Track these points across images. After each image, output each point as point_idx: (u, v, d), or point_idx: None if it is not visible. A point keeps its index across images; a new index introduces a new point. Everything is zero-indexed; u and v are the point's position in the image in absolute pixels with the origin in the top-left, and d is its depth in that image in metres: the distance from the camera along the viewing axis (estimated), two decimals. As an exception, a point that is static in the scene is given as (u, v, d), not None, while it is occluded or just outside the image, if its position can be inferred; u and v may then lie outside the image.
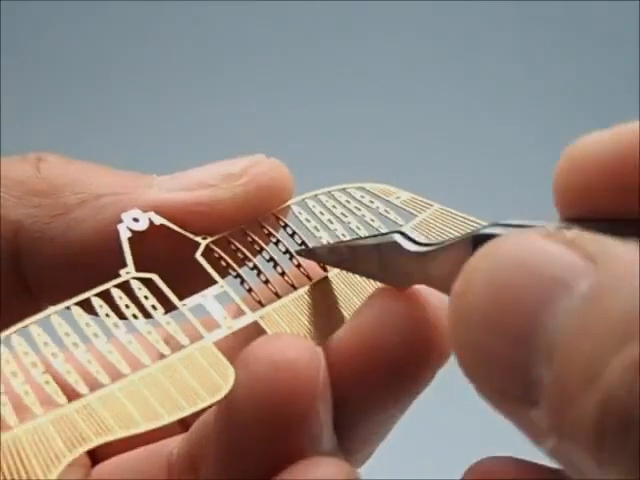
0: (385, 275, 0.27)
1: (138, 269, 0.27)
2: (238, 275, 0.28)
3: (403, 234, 0.26)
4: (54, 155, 0.29)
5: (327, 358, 0.26)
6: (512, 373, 0.20)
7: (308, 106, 0.91)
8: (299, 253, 0.29)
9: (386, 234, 0.27)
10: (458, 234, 0.29)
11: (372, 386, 0.27)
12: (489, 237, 0.22)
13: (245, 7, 0.94)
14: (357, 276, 0.29)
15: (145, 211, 0.28)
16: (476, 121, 0.91)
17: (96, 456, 0.31)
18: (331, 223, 0.30)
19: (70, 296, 0.26)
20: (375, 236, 0.27)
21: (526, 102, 0.91)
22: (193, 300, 0.27)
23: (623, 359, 0.18)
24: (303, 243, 0.30)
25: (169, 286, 0.27)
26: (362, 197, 0.31)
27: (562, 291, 0.19)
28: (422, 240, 0.26)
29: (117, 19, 0.92)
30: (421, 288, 0.27)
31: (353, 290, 0.29)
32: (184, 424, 0.31)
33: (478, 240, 0.23)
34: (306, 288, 0.29)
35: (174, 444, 0.31)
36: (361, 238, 0.28)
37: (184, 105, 0.89)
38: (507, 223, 0.23)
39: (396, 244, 0.26)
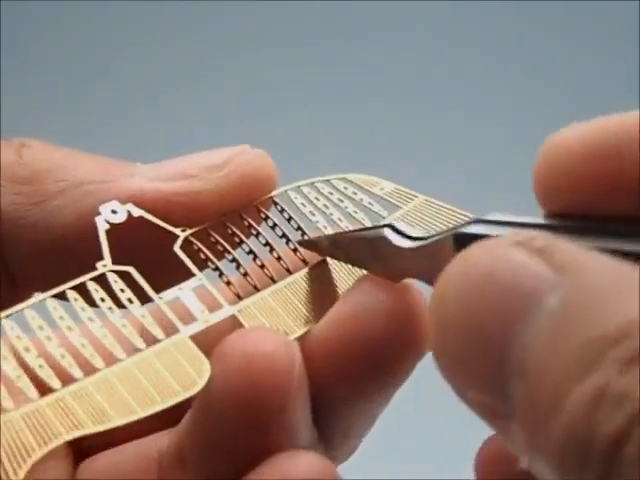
0: (378, 268, 0.27)
1: (117, 261, 0.27)
2: (217, 268, 0.28)
3: (393, 227, 0.26)
4: (38, 141, 0.29)
5: (306, 350, 0.26)
6: (488, 386, 0.19)
7: (295, 97, 0.91)
8: (299, 243, 0.29)
9: (376, 227, 0.27)
10: (443, 227, 0.29)
11: (351, 378, 0.26)
12: (469, 236, 0.23)
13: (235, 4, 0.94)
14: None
15: (124, 202, 0.28)
16: (467, 113, 0.90)
17: (85, 449, 0.31)
18: (313, 215, 0.30)
19: (52, 284, 0.26)
20: (367, 229, 0.27)
21: (516, 95, 0.91)
22: (170, 293, 0.27)
23: (585, 389, 0.18)
24: (284, 235, 0.29)
25: (148, 279, 0.27)
26: (345, 188, 0.31)
27: (532, 305, 0.19)
28: (411, 232, 0.26)
29: (116, 18, 0.92)
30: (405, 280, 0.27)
31: (347, 278, 0.28)
32: (176, 417, 0.31)
33: (459, 239, 0.23)
34: (287, 280, 0.28)
35: (166, 437, 0.30)
36: (354, 231, 0.28)
37: (181, 99, 0.89)
38: (489, 219, 0.23)
39: (385, 239, 0.26)
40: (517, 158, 0.76)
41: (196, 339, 0.26)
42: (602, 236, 0.21)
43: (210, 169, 0.29)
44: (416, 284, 0.27)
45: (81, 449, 0.30)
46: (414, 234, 0.26)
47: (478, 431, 0.23)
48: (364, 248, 0.27)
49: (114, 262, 0.27)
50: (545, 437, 0.18)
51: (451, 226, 0.26)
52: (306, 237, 0.29)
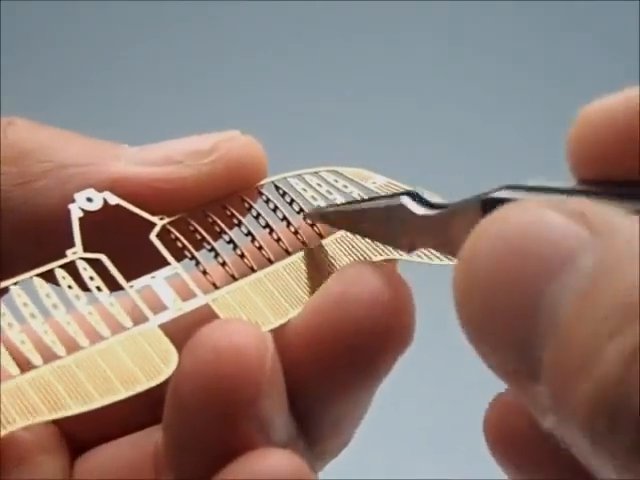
0: (390, 238, 0.26)
1: (93, 249, 0.26)
2: (193, 257, 0.27)
3: (413, 195, 0.26)
4: (24, 120, 0.29)
5: (285, 341, 0.26)
6: (515, 347, 0.19)
7: (294, 89, 0.91)
8: (307, 215, 0.28)
9: (395, 195, 0.26)
10: None
11: (331, 371, 0.26)
12: (498, 201, 0.22)
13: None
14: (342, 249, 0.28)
15: (107, 186, 0.27)
16: (464, 107, 0.90)
17: (81, 444, 0.30)
18: (299, 206, 0.29)
19: (35, 267, 0.26)
20: (384, 197, 0.27)
21: (516, 95, 0.91)
22: (141, 281, 0.26)
23: (618, 346, 0.18)
24: (267, 225, 0.28)
25: (125, 267, 0.26)
26: (335, 181, 0.30)
27: (566, 266, 0.19)
28: (434, 200, 0.25)
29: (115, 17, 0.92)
30: (386, 267, 0.26)
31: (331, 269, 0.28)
32: None
33: (487, 204, 0.23)
34: (267, 270, 0.27)
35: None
36: (370, 199, 0.27)
37: (181, 96, 0.90)
38: (518, 185, 0.22)
39: (402, 207, 0.25)
40: (517, 158, 0.76)
41: (171, 331, 0.25)
42: (634, 200, 0.21)
43: (197, 155, 0.28)
44: (405, 275, 0.26)
45: (77, 443, 0.29)
46: (435, 201, 0.25)
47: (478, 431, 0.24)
48: (377, 217, 0.26)
49: (90, 249, 0.26)
50: (574, 397, 0.18)
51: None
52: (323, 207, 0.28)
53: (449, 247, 0.24)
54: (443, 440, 0.70)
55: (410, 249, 0.26)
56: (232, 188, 0.28)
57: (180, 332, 0.25)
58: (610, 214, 0.19)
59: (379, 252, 0.28)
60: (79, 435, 0.29)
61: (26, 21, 0.87)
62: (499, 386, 0.24)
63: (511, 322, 0.19)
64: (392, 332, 0.25)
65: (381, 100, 0.90)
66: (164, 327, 0.25)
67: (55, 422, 0.28)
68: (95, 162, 0.28)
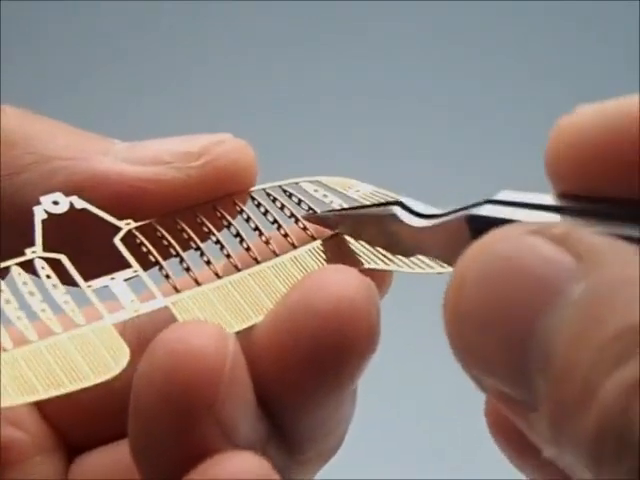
0: (388, 245, 0.27)
1: (58, 249, 0.26)
2: (157, 262, 0.27)
3: (403, 205, 0.26)
4: (13, 108, 0.28)
5: (251, 347, 0.25)
6: (510, 377, 0.19)
7: (291, 90, 0.91)
8: (306, 218, 0.28)
9: (386, 204, 0.27)
10: None
11: (294, 379, 0.25)
12: (483, 219, 0.23)
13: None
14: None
15: (85, 185, 0.27)
16: (460, 109, 0.90)
17: (76, 446, 0.30)
18: (270, 220, 0.29)
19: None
20: (377, 205, 0.27)
21: (516, 95, 0.91)
22: (100, 282, 0.26)
23: (618, 381, 0.17)
24: (238, 234, 0.28)
25: (91, 271, 0.26)
26: (315, 191, 0.30)
27: (555, 295, 0.19)
28: (422, 210, 0.26)
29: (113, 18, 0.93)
30: (352, 272, 0.25)
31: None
32: None
33: (471, 220, 0.23)
34: (232, 277, 0.27)
35: None
36: (362, 207, 0.28)
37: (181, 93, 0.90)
38: (500, 200, 0.23)
39: (394, 217, 0.26)
40: (516, 158, 0.75)
41: (142, 336, 0.25)
42: (615, 221, 0.21)
43: (186, 157, 0.27)
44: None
45: (73, 446, 0.29)
46: (425, 212, 0.26)
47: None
48: (372, 225, 0.27)
49: (55, 250, 0.26)
50: (575, 430, 0.18)
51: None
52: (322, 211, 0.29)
53: (440, 255, 0.25)
54: (443, 440, 0.69)
55: (407, 255, 0.27)
56: (219, 193, 0.28)
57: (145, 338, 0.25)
58: (595, 240, 0.19)
59: (366, 260, 0.28)
60: (75, 438, 0.28)
61: (25, 19, 0.88)
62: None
63: (502, 353, 0.19)
64: (352, 340, 0.24)
65: (378, 102, 0.90)
66: (134, 333, 0.25)
67: (51, 424, 0.29)
68: (81, 156, 0.27)
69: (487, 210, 0.23)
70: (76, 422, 0.29)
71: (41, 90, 0.82)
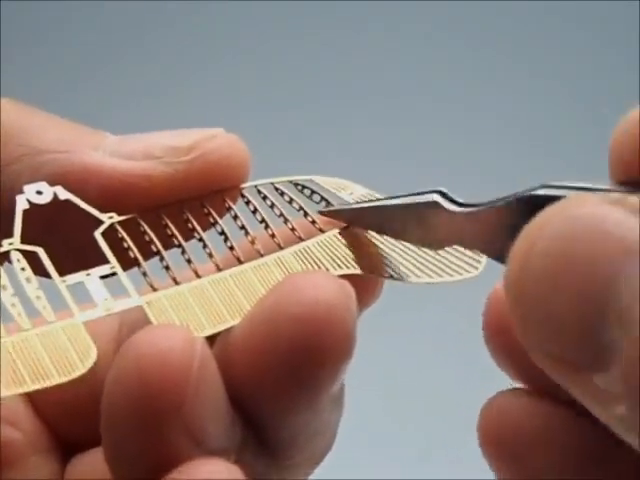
0: (421, 237, 0.26)
1: (38, 242, 0.26)
2: (136, 258, 0.26)
3: (442, 193, 0.26)
4: (8, 100, 0.28)
5: (226, 351, 0.25)
6: (579, 337, 0.19)
7: (289, 90, 0.91)
8: (321, 212, 0.28)
9: (424, 193, 0.26)
10: None
11: (270, 383, 0.24)
12: (538, 198, 0.22)
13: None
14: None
15: (74, 179, 0.27)
16: (460, 110, 0.89)
17: (72, 447, 0.30)
18: (260, 217, 0.28)
19: None
20: (415, 194, 0.27)
21: (516, 95, 0.90)
22: (75, 277, 0.26)
23: None
24: (223, 233, 0.28)
25: (71, 264, 0.26)
26: (306, 190, 0.29)
27: (633, 260, 0.19)
28: (461, 200, 0.25)
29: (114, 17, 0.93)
30: (328, 276, 0.25)
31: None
32: None
33: (526, 201, 0.23)
34: (212, 277, 0.26)
35: None
36: (394, 197, 0.27)
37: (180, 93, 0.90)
38: (558, 185, 0.22)
39: (436, 204, 0.26)
40: (516, 159, 0.74)
41: (126, 334, 0.25)
42: None
43: (176, 152, 0.27)
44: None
45: (69, 447, 0.29)
46: (466, 201, 0.25)
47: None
48: (404, 216, 0.27)
49: (37, 240, 0.26)
50: None
51: None
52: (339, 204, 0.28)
53: (477, 246, 0.25)
54: (443, 440, 0.69)
55: (439, 247, 0.26)
56: (209, 189, 0.28)
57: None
58: None
59: (339, 265, 0.27)
60: (71, 438, 0.28)
61: (25, 20, 0.88)
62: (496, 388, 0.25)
63: (577, 308, 0.19)
64: (328, 345, 0.24)
65: (377, 102, 0.90)
66: (131, 331, 0.24)
67: (47, 424, 0.29)
68: (71, 150, 0.27)
69: (545, 191, 0.23)
70: (72, 422, 0.29)
71: (41, 90, 0.82)
